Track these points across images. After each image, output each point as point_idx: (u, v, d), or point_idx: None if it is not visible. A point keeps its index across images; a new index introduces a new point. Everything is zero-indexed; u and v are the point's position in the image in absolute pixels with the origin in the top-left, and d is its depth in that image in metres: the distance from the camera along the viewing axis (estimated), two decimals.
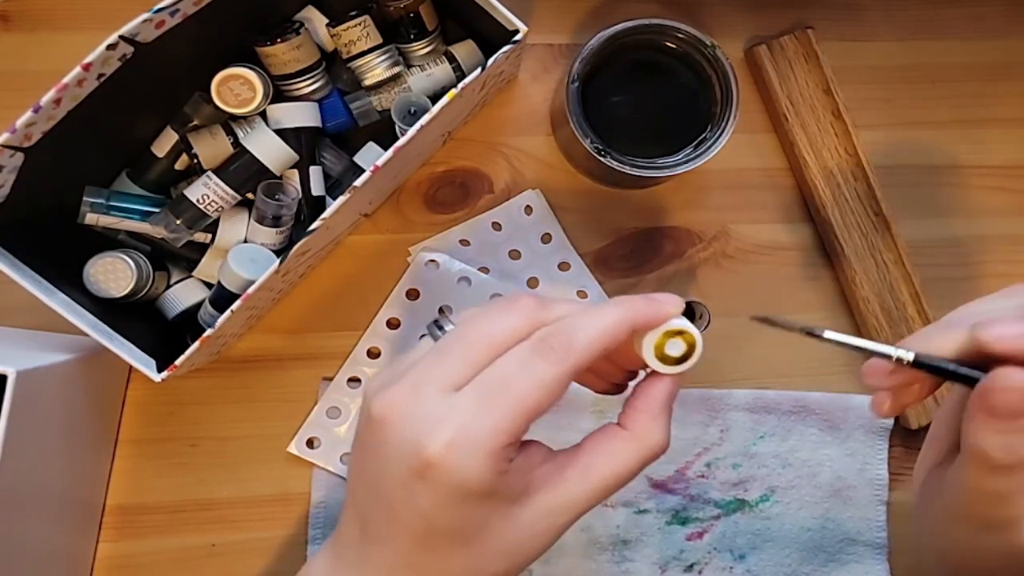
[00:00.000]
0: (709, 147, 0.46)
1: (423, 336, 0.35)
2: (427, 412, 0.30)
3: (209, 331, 0.40)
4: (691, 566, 0.50)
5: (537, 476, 0.32)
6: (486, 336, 0.31)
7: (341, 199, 0.40)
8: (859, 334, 0.53)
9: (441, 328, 0.34)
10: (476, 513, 0.31)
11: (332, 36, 0.46)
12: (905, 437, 0.52)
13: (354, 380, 0.50)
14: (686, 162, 0.46)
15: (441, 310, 0.50)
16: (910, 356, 0.30)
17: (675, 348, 0.32)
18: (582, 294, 0.51)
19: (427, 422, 0.30)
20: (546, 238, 0.52)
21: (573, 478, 0.32)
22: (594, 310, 0.32)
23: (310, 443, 0.50)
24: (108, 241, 0.47)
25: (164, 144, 0.47)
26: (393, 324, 0.51)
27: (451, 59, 0.48)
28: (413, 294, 0.51)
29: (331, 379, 0.50)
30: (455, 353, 0.31)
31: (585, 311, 0.32)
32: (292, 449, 0.49)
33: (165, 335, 0.46)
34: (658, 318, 0.32)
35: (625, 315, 0.31)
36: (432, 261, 0.50)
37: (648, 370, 0.34)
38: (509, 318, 0.32)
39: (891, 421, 0.51)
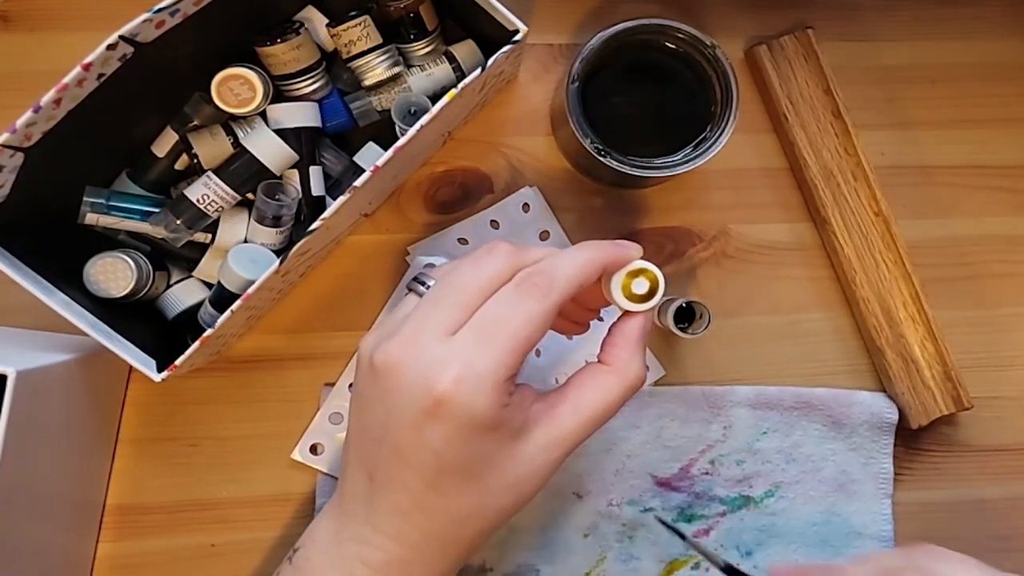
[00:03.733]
0: (709, 147, 0.46)
1: (407, 293, 0.37)
2: (430, 356, 0.33)
3: (209, 331, 0.40)
4: (697, 563, 0.50)
5: (532, 413, 0.35)
6: (473, 282, 0.34)
7: (341, 199, 0.40)
8: (859, 334, 0.53)
9: (423, 283, 0.36)
10: (484, 447, 0.33)
11: (332, 36, 0.46)
12: (906, 438, 0.52)
13: None
14: (686, 162, 0.46)
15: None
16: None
17: (640, 287, 0.36)
18: None
19: (432, 364, 0.32)
20: (544, 235, 0.52)
21: (565, 413, 0.35)
22: (569, 251, 0.35)
23: (313, 449, 0.50)
24: (108, 241, 0.47)
25: (164, 144, 0.47)
26: None
27: (451, 59, 0.48)
28: None
29: (333, 385, 0.50)
30: (447, 300, 0.34)
31: (560, 252, 0.35)
32: (296, 456, 0.49)
33: (165, 335, 0.46)
34: (625, 258, 0.36)
35: (597, 254, 0.35)
36: (429, 265, 0.50)
37: (620, 312, 0.37)
38: (492, 264, 0.35)
39: (895, 416, 0.51)
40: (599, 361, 0.37)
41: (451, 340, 0.33)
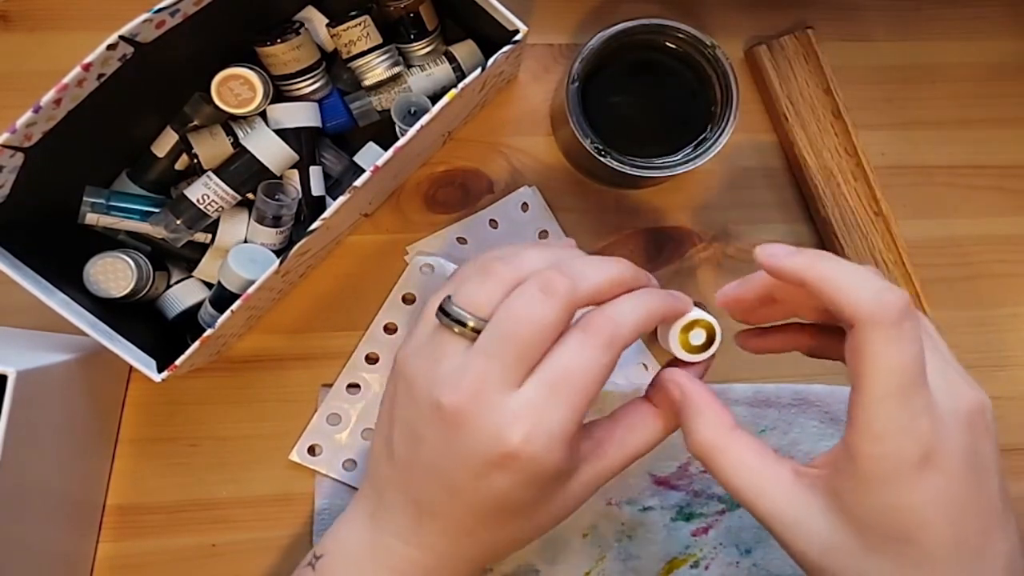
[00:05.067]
0: (709, 147, 0.46)
1: (439, 326, 0.35)
2: (500, 411, 0.32)
3: (209, 331, 0.40)
4: (697, 562, 0.50)
5: (581, 452, 0.35)
6: (534, 334, 0.33)
7: (341, 199, 0.40)
8: None
9: (465, 324, 0.34)
10: (544, 492, 0.34)
11: (332, 36, 0.46)
12: None
13: (353, 386, 0.50)
14: (686, 162, 0.46)
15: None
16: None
17: (697, 337, 0.36)
18: None
19: (502, 420, 0.32)
20: (543, 234, 0.52)
21: (611, 452, 0.36)
22: (631, 300, 0.34)
23: (311, 450, 0.50)
24: (108, 241, 0.47)
25: (164, 144, 0.47)
26: (390, 329, 0.51)
27: (451, 59, 0.48)
28: (409, 298, 0.51)
29: (330, 386, 0.50)
30: (509, 355, 0.33)
31: (621, 300, 0.34)
32: (294, 457, 0.49)
33: (165, 335, 0.46)
34: (681, 311, 0.36)
35: (658, 306, 0.35)
36: (427, 266, 0.50)
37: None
38: (551, 311, 0.33)
39: None
40: (647, 397, 0.37)
41: (519, 394, 0.32)
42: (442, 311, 0.35)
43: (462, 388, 0.33)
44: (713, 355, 0.37)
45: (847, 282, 0.30)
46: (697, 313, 0.36)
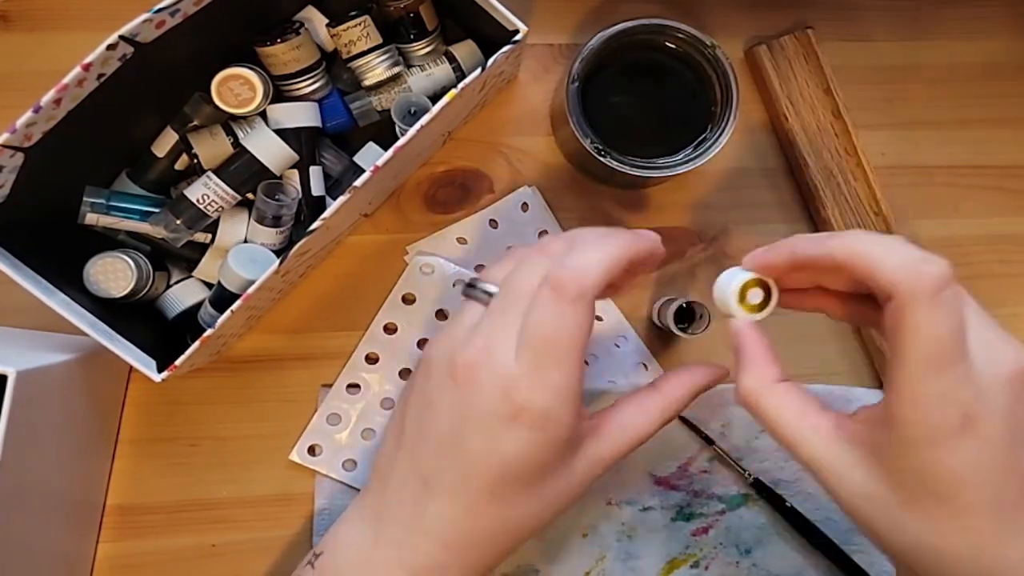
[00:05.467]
0: (709, 147, 0.46)
1: (465, 300, 0.37)
2: (507, 368, 0.33)
3: (209, 331, 0.40)
4: (697, 562, 0.50)
5: (584, 429, 0.36)
6: (529, 289, 0.34)
7: (341, 199, 0.40)
8: (859, 333, 0.53)
9: (485, 291, 0.36)
10: (550, 457, 0.34)
11: (332, 36, 0.46)
12: None
13: (353, 386, 0.50)
14: (686, 162, 0.46)
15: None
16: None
17: (755, 296, 0.36)
18: None
19: (508, 376, 0.33)
20: (543, 235, 0.52)
21: (614, 433, 0.37)
22: (594, 247, 0.35)
23: (311, 450, 0.50)
24: (108, 241, 0.47)
25: (164, 144, 0.47)
26: (390, 329, 0.51)
27: (451, 59, 0.48)
28: (409, 298, 0.51)
29: (330, 386, 0.50)
30: (512, 311, 0.34)
31: (585, 249, 0.35)
32: (294, 457, 0.49)
33: (165, 335, 0.46)
34: (646, 247, 0.36)
35: (624, 248, 0.35)
36: (427, 266, 0.50)
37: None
38: (541, 267, 0.34)
39: None
40: (651, 386, 0.39)
41: (521, 352, 0.33)
42: (467, 286, 0.37)
43: (474, 343, 0.34)
44: (771, 311, 0.37)
45: (881, 256, 0.30)
46: (749, 273, 0.36)
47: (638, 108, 0.49)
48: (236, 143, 0.45)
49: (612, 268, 0.34)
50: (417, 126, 0.41)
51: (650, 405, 0.38)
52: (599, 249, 0.34)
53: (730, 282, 0.36)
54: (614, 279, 0.35)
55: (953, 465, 0.30)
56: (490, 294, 0.36)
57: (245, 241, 0.47)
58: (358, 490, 0.49)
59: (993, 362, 0.31)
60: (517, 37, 0.42)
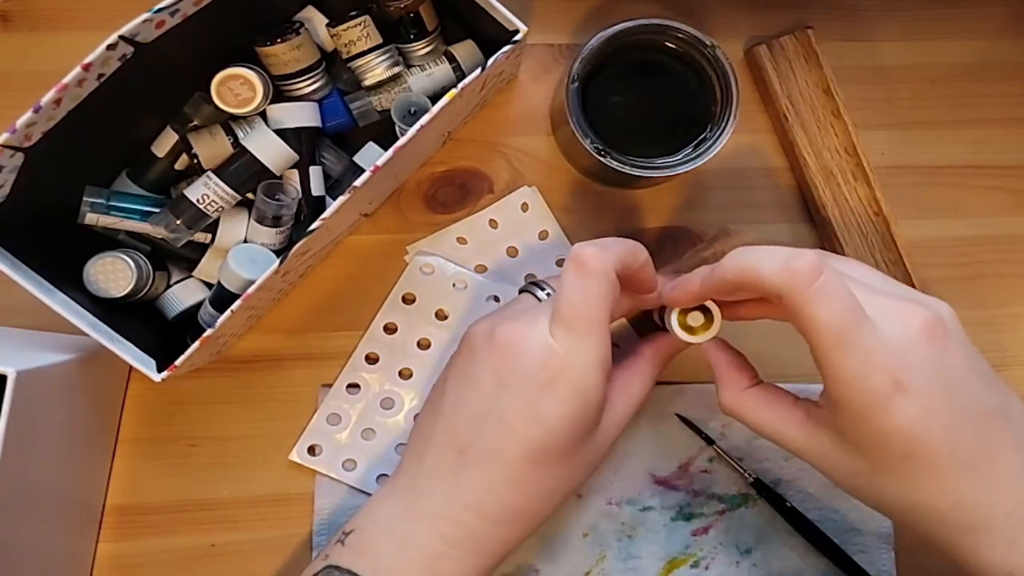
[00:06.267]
0: (709, 147, 0.46)
1: (521, 293, 0.42)
2: (545, 336, 0.36)
3: (209, 331, 0.40)
4: (697, 562, 0.50)
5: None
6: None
7: (341, 199, 0.40)
8: None
9: (542, 288, 0.41)
10: (582, 423, 0.36)
11: (332, 36, 0.46)
12: None
13: (353, 386, 0.50)
14: (686, 162, 0.46)
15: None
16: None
17: (695, 320, 0.39)
18: None
19: (546, 344, 0.36)
20: (543, 235, 0.52)
21: (620, 401, 0.40)
22: (612, 238, 0.39)
23: (311, 450, 0.50)
24: (108, 241, 0.47)
25: (164, 144, 0.47)
26: (390, 329, 0.51)
27: (451, 59, 0.48)
28: (410, 298, 0.51)
29: (330, 386, 0.50)
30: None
31: (604, 238, 0.39)
32: (294, 457, 0.49)
33: (165, 335, 0.46)
34: (637, 256, 0.39)
35: (630, 249, 0.39)
36: (427, 266, 0.50)
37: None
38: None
39: None
40: (633, 350, 0.43)
41: (555, 327, 0.36)
42: (529, 284, 0.42)
43: (519, 318, 0.37)
44: (714, 336, 0.40)
45: (757, 265, 0.33)
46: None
47: (638, 108, 0.49)
48: (236, 143, 0.45)
49: (626, 249, 0.37)
50: (417, 126, 0.41)
51: (640, 369, 0.42)
52: (618, 240, 0.38)
53: (671, 313, 0.39)
54: (627, 270, 0.38)
55: (900, 424, 0.32)
56: (546, 294, 0.40)
57: (245, 241, 0.47)
58: (359, 490, 0.49)
59: (902, 324, 0.33)
60: (517, 37, 0.42)
